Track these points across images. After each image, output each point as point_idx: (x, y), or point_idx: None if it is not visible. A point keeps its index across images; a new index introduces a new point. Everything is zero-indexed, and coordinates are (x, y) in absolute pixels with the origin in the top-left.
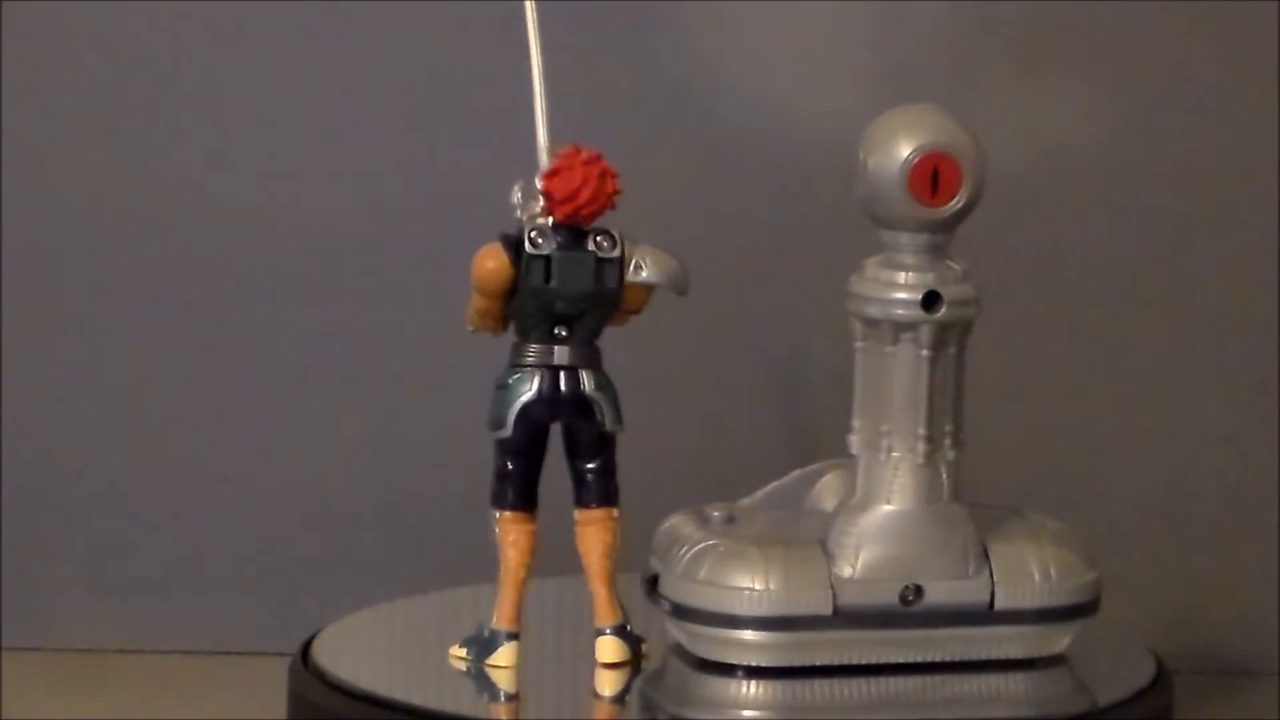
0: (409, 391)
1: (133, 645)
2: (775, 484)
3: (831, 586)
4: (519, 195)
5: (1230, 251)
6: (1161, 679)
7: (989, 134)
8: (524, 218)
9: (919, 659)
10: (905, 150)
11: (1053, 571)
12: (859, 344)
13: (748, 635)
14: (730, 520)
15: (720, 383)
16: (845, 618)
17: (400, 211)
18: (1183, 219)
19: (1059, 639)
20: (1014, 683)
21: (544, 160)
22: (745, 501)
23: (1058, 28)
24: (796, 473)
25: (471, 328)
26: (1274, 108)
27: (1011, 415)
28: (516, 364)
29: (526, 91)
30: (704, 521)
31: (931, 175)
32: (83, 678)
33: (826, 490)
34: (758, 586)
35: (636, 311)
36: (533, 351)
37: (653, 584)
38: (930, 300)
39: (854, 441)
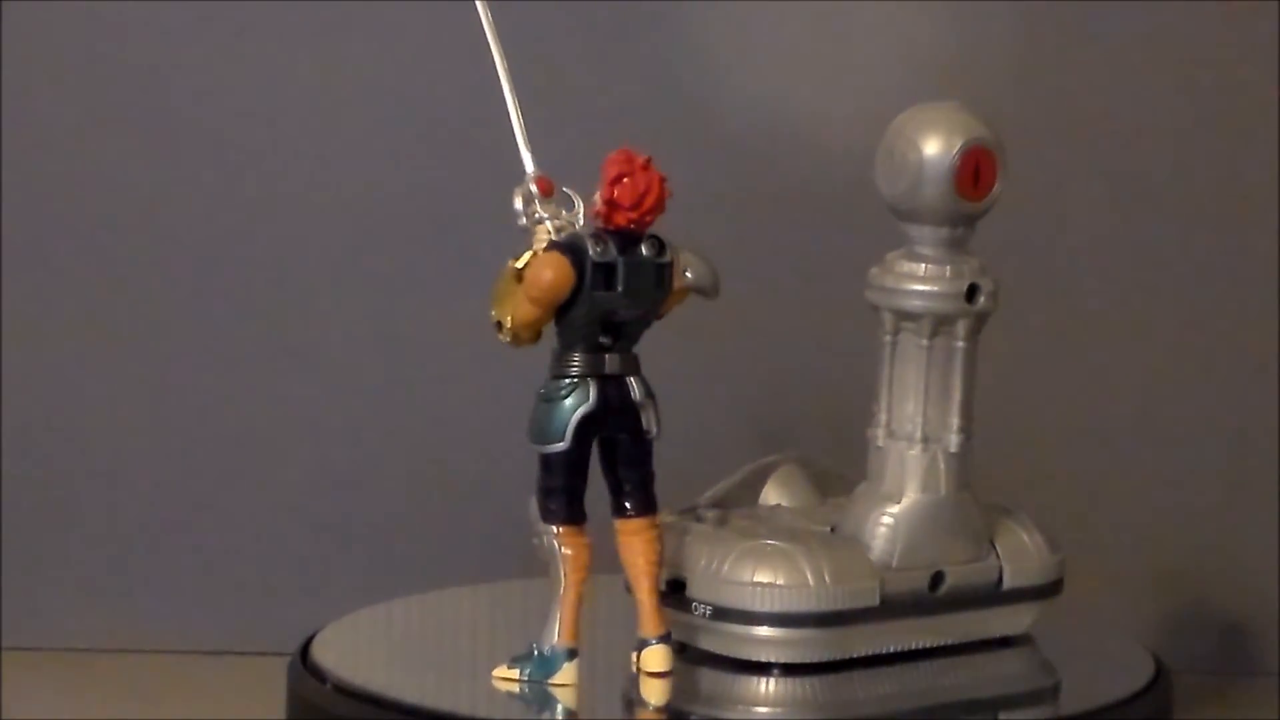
0: (409, 392)
1: (133, 645)
2: (729, 480)
3: (878, 578)
4: (521, 201)
5: (1231, 252)
6: (1161, 679)
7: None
8: (528, 224)
9: (937, 643)
10: (955, 144)
11: (1045, 550)
12: (889, 337)
13: (798, 632)
14: (723, 521)
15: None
16: (885, 607)
17: (400, 213)
18: (1183, 217)
19: (1031, 615)
20: (1015, 684)
21: (529, 165)
22: (705, 498)
23: (1057, 29)
24: (748, 467)
25: (509, 339)
26: (1274, 108)
27: (1011, 415)
28: (563, 375)
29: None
30: (701, 522)
31: (974, 169)
32: (83, 678)
33: (777, 484)
34: (812, 583)
35: (661, 316)
36: (581, 361)
37: (672, 588)
38: (971, 292)
39: (880, 434)
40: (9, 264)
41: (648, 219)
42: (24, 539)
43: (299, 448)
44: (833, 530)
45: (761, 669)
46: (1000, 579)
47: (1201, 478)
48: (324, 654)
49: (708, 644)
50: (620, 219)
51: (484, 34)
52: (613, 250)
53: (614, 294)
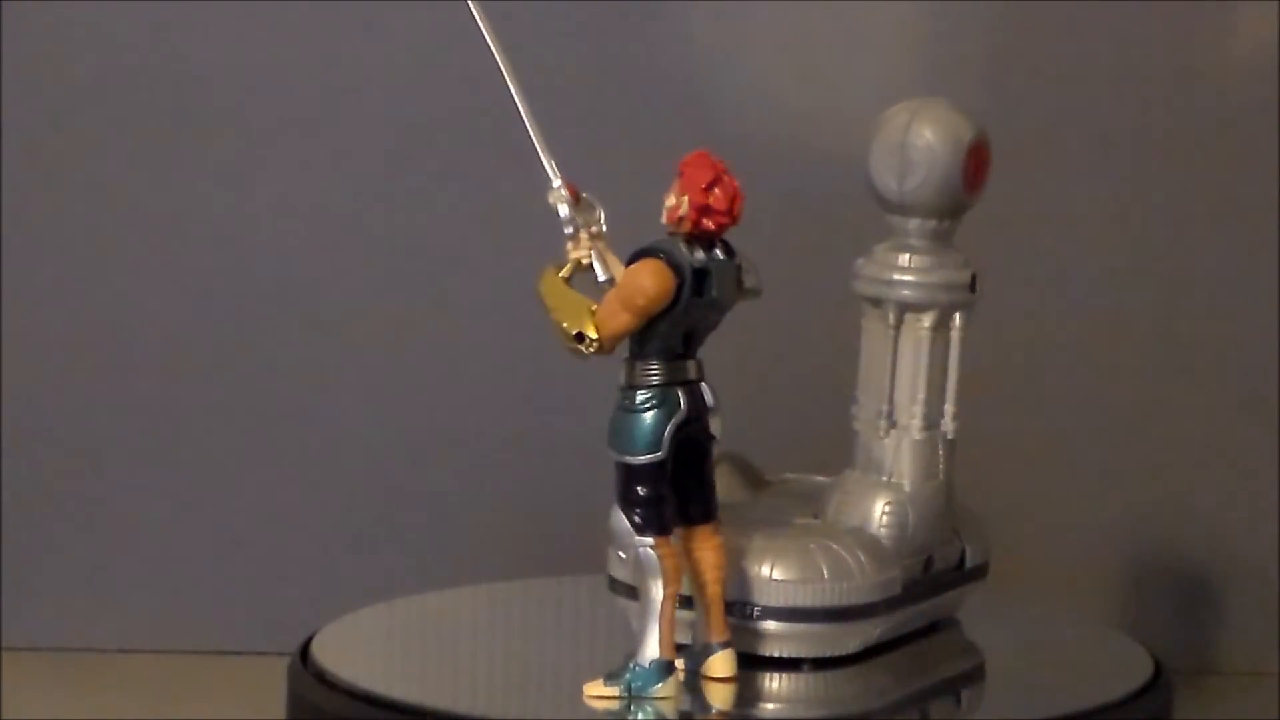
0: (409, 392)
1: (133, 645)
2: None
3: (899, 566)
4: (565, 208)
5: (1230, 252)
6: (1161, 679)
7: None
8: (569, 228)
9: (924, 624)
10: (966, 139)
11: (984, 530)
12: (891, 331)
13: (841, 626)
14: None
15: None
16: (903, 595)
17: (403, 214)
18: (1182, 217)
19: (968, 596)
20: (1012, 683)
21: (552, 174)
22: None
23: (1055, 27)
24: None
25: (593, 350)
26: (1274, 108)
27: (1010, 412)
28: (645, 384)
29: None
30: None
31: (975, 164)
32: (83, 678)
33: (724, 481)
34: (858, 576)
35: None
36: (662, 369)
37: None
38: (973, 281)
39: (883, 425)
40: (9, 264)
41: (735, 223)
42: (24, 539)
43: (299, 448)
44: (816, 519)
45: (778, 664)
46: (962, 560)
47: (1201, 476)
48: (323, 654)
49: (747, 645)
50: (713, 223)
51: (492, 53)
52: (702, 255)
53: (707, 299)
